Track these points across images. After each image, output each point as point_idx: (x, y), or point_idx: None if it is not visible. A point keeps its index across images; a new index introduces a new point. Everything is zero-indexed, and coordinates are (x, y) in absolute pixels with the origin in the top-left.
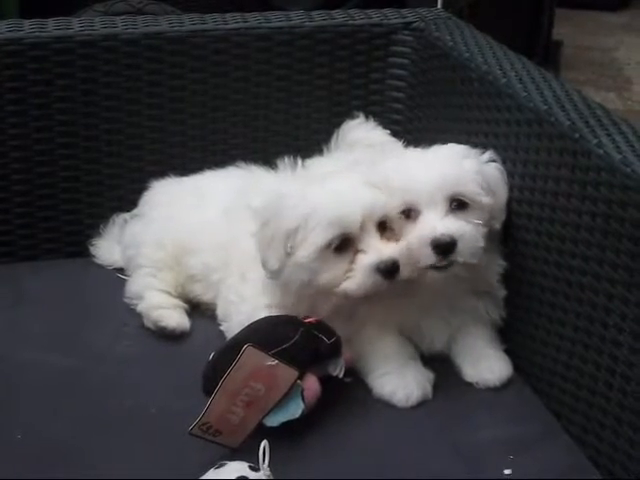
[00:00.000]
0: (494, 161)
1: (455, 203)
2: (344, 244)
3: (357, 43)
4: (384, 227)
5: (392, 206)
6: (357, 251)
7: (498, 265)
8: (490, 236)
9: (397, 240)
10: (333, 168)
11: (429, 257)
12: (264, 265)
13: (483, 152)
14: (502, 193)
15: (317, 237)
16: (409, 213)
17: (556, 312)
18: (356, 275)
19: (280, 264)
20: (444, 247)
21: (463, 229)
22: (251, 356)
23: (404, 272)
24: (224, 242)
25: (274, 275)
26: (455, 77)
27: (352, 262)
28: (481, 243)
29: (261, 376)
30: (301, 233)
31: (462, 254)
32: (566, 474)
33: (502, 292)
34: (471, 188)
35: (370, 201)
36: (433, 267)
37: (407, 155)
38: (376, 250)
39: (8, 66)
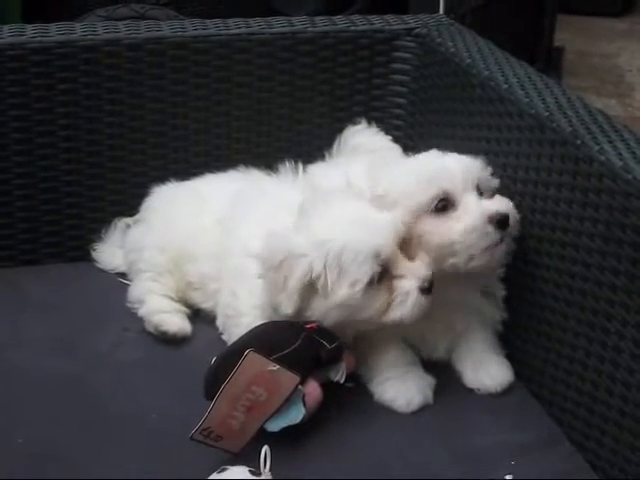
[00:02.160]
0: None
1: (478, 191)
2: (382, 274)
3: (359, 49)
4: (403, 247)
5: (425, 201)
6: (393, 277)
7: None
8: None
9: (415, 256)
10: (334, 175)
11: (493, 234)
12: (276, 310)
13: (488, 157)
14: None
15: (358, 274)
16: (444, 205)
17: (557, 318)
18: (405, 301)
19: (294, 309)
20: (504, 221)
21: (508, 204)
22: (253, 361)
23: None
24: (218, 251)
25: (294, 315)
26: (457, 83)
27: (391, 290)
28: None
29: (262, 381)
30: (331, 273)
31: (514, 226)
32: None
33: (502, 292)
34: (487, 176)
35: (392, 225)
36: (497, 244)
37: (413, 157)
38: (412, 272)
39: (11, 71)
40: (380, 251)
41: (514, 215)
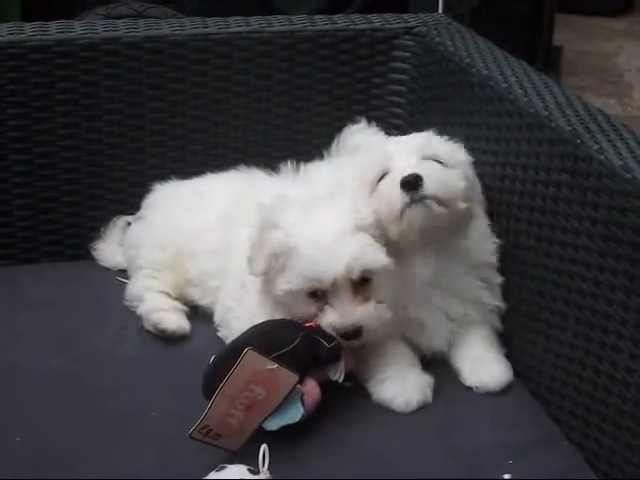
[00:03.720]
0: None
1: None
2: (316, 293)
3: (358, 48)
4: (364, 282)
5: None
6: (327, 303)
7: (492, 242)
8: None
9: (371, 297)
10: (333, 180)
11: (400, 196)
12: (249, 263)
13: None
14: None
15: (291, 279)
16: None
17: (556, 318)
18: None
19: (258, 272)
20: (410, 182)
21: (430, 168)
22: (252, 360)
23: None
24: (220, 248)
25: (257, 276)
26: (456, 82)
27: (321, 310)
28: (457, 182)
29: (261, 380)
30: (280, 261)
31: (430, 187)
32: (566, 479)
33: (498, 279)
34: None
35: (348, 264)
36: (408, 206)
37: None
38: (342, 311)
39: (10, 69)
40: (315, 278)
41: (435, 178)
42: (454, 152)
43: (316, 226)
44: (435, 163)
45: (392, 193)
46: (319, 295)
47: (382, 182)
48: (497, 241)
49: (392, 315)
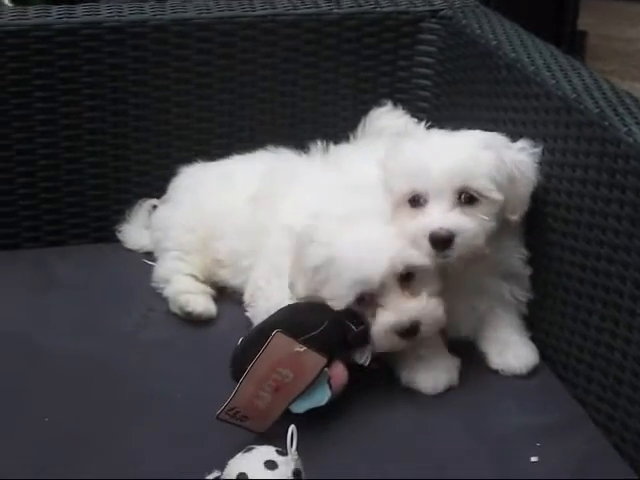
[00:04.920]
0: (527, 150)
1: (465, 196)
2: (364, 297)
3: (384, 31)
4: (409, 278)
5: (401, 192)
6: (377, 305)
7: (520, 253)
8: (509, 227)
9: (421, 292)
10: (359, 157)
11: (428, 248)
12: (290, 288)
13: (515, 139)
14: (525, 185)
15: (337, 288)
16: (417, 200)
17: (583, 300)
18: (374, 334)
19: (306, 294)
20: (440, 242)
21: (464, 225)
22: (280, 342)
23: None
24: (250, 228)
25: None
26: (483, 65)
27: (373, 315)
28: (481, 240)
29: (289, 363)
30: (323, 274)
31: (459, 249)
32: (592, 461)
33: (527, 271)
34: (482, 183)
35: (392, 258)
36: (434, 255)
37: (426, 139)
38: (396, 308)
39: (36, 52)
40: (361, 281)
41: (466, 236)
42: (518, 168)
43: (355, 233)
44: (470, 218)
45: (420, 242)
46: (367, 301)
47: (411, 223)
48: (525, 252)
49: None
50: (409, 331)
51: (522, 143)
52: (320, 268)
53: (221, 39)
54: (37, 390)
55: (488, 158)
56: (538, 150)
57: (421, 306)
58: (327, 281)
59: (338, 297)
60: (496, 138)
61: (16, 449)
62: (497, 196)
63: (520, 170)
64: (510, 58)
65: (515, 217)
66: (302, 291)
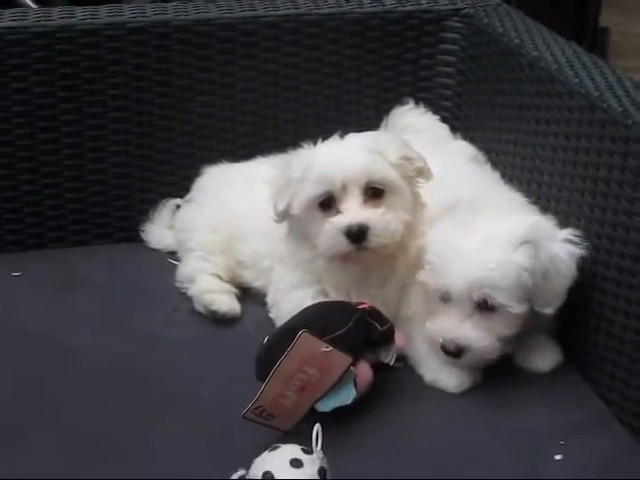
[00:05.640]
0: (571, 241)
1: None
2: (329, 203)
3: (407, 29)
4: (378, 194)
5: (313, 197)
6: (337, 212)
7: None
8: (540, 321)
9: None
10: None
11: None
12: (274, 208)
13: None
14: (562, 279)
15: (305, 191)
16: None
17: (607, 298)
18: (323, 233)
19: (286, 207)
20: (356, 235)
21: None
22: (306, 342)
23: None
24: (271, 229)
25: (279, 218)
26: (505, 63)
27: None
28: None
29: (315, 362)
30: (298, 185)
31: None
32: (617, 460)
33: None
34: (503, 297)
35: (359, 165)
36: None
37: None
38: (350, 213)
39: (61, 52)
40: (326, 178)
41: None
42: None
43: (333, 147)
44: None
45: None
46: (331, 206)
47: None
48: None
49: (401, 230)
50: (357, 235)
51: (568, 233)
52: (297, 180)
53: (244, 39)
54: (64, 389)
55: (523, 255)
56: (583, 243)
57: (375, 215)
58: (302, 187)
59: (306, 199)
60: (541, 226)
61: (44, 448)
62: (516, 309)
63: (556, 266)
64: (532, 56)
65: (548, 310)
66: (283, 204)
